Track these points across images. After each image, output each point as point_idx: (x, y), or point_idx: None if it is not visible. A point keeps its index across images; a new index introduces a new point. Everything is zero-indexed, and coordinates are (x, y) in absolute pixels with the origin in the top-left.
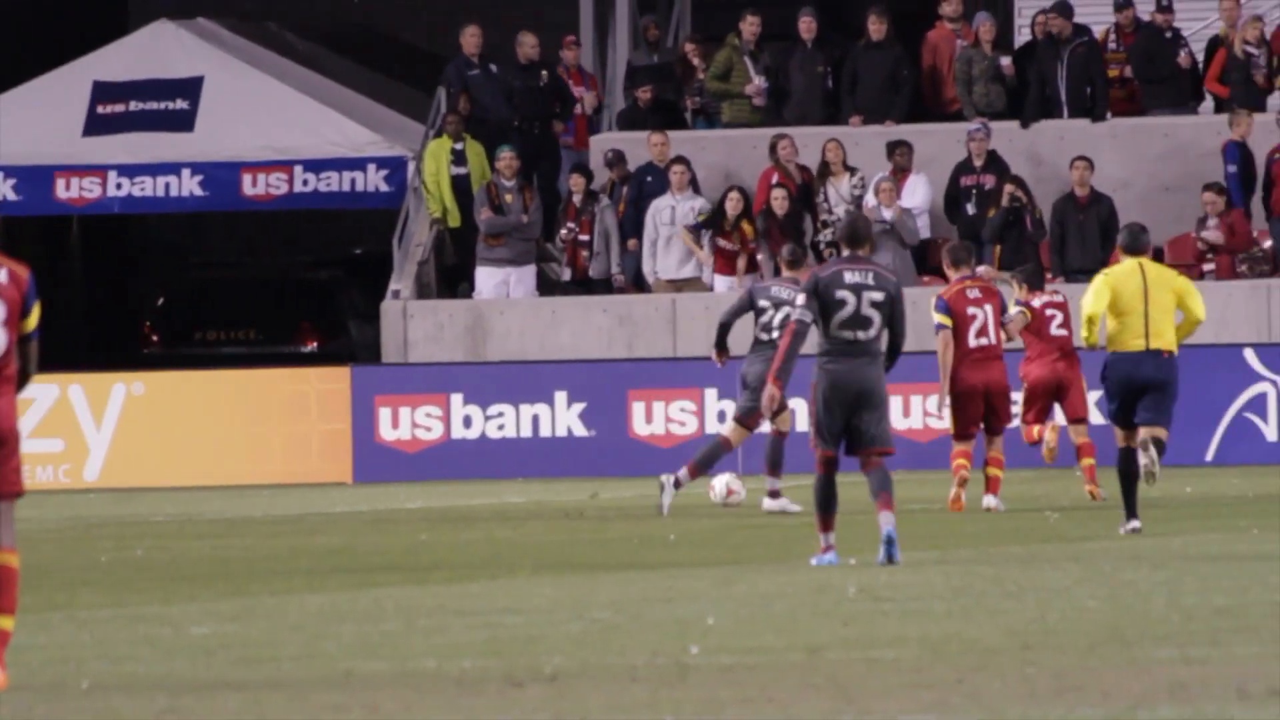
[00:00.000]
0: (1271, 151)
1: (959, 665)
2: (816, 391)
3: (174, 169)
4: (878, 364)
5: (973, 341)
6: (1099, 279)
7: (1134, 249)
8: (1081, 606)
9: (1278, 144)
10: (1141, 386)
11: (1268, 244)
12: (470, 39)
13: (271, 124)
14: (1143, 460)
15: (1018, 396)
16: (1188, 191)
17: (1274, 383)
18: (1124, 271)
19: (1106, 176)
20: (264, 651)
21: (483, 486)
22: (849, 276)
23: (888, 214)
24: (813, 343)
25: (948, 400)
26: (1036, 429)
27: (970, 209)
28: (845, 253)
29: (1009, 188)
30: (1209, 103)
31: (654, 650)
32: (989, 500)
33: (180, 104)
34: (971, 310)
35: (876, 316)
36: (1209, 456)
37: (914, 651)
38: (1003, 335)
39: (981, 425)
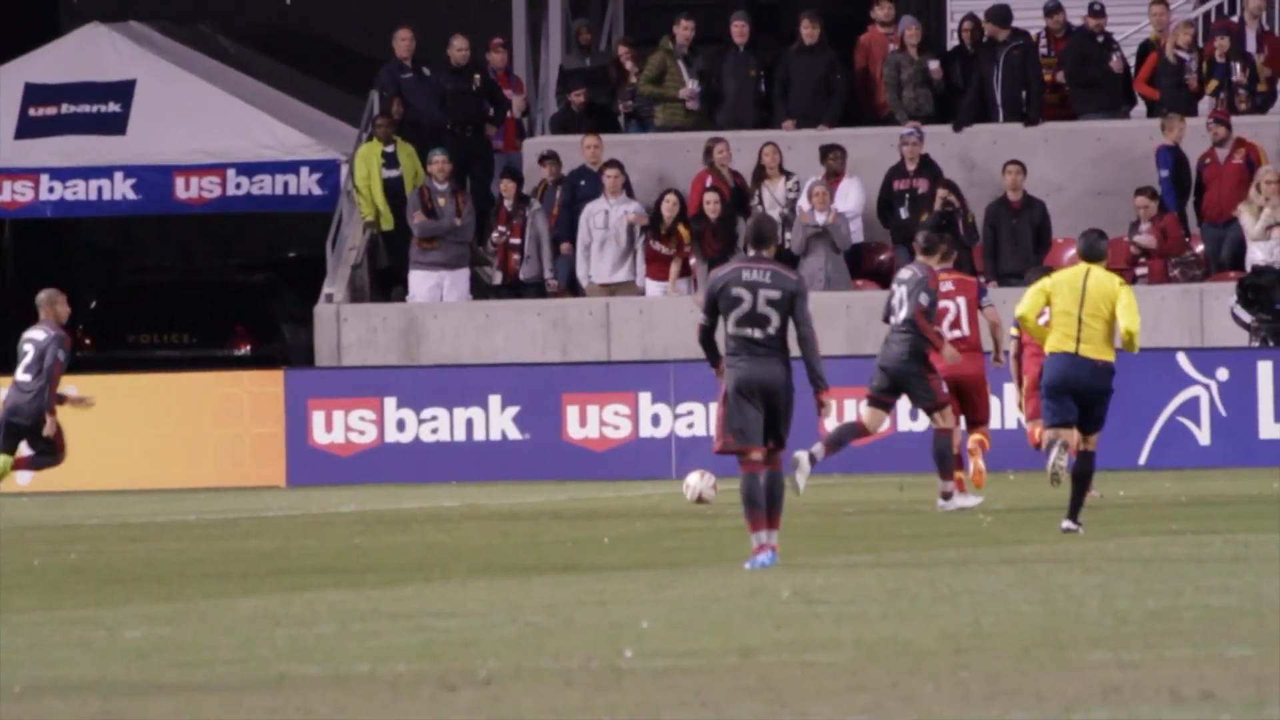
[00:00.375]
0: (1203, 156)
1: (893, 668)
2: (727, 392)
3: (106, 172)
4: (783, 361)
5: (945, 334)
6: (1040, 282)
7: (1089, 256)
8: (1015, 610)
9: (1209, 148)
10: (1074, 392)
11: (1200, 248)
12: (402, 42)
13: (204, 127)
14: (1054, 457)
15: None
16: (1120, 195)
17: (1206, 387)
18: (1066, 277)
19: (1039, 181)
20: (198, 655)
21: (416, 490)
22: (746, 275)
23: (820, 218)
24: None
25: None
26: (1038, 430)
27: (903, 213)
28: (750, 252)
29: (942, 192)
30: (1141, 107)
31: (588, 654)
32: (968, 500)
33: (112, 107)
34: (942, 303)
35: (774, 315)
36: (1142, 460)
37: (848, 654)
38: (979, 325)
39: (962, 418)
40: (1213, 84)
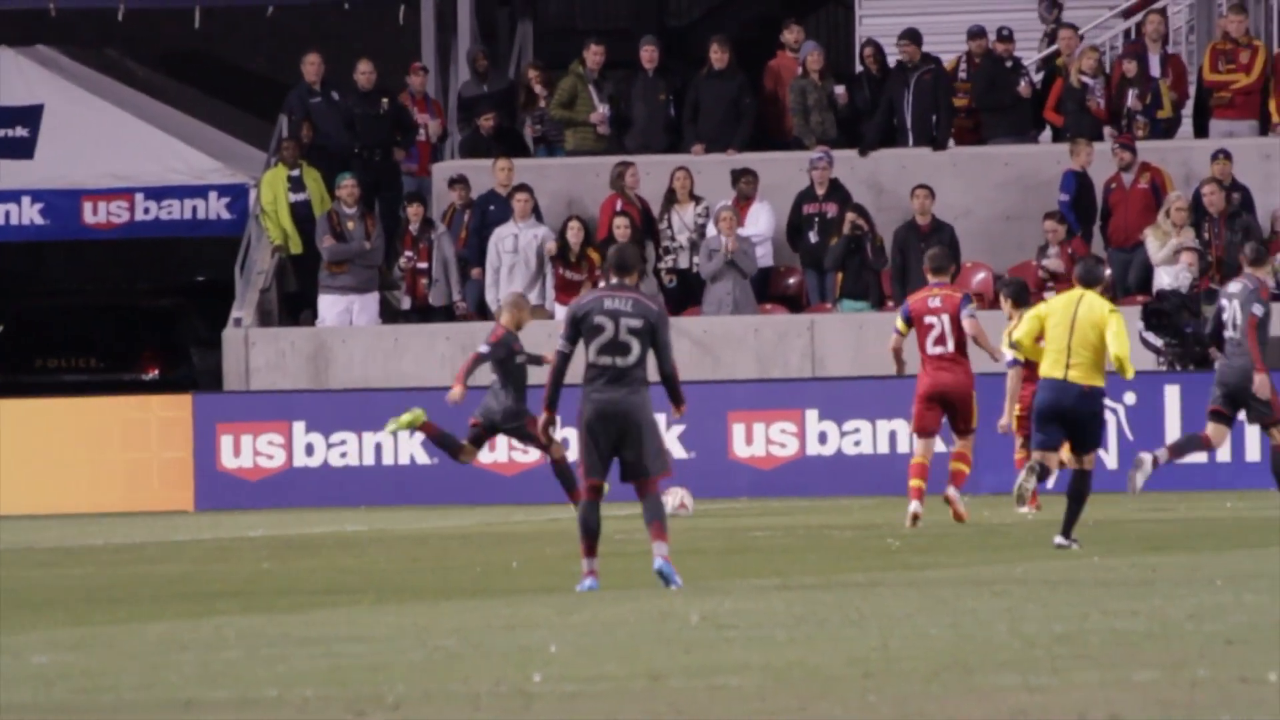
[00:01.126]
0: (1109, 181)
1: (801, 693)
2: (582, 421)
3: (14, 197)
4: (641, 392)
5: (930, 349)
6: (1036, 309)
7: (1086, 281)
8: (923, 634)
9: (1115, 173)
10: (1062, 418)
11: (1107, 272)
12: (311, 66)
13: (112, 151)
14: (1021, 479)
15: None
16: (1029, 220)
17: (1114, 411)
18: (1059, 302)
19: (948, 205)
20: (104, 680)
21: (325, 514)
22: (608, 303)
23: (727, 242)
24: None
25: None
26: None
27: (812, 237)
28: (613, 280)
29: (850, 216)
30: (1049, 132)
31: (497, 678)
32: (950, 490)
33: (20, 131)
34: (929, 319)
35: (635, 343)
36: (1050, 484)
37: (756, 679)
38: (966, 338)
39: (949, 428)
40: (1114, 107)
